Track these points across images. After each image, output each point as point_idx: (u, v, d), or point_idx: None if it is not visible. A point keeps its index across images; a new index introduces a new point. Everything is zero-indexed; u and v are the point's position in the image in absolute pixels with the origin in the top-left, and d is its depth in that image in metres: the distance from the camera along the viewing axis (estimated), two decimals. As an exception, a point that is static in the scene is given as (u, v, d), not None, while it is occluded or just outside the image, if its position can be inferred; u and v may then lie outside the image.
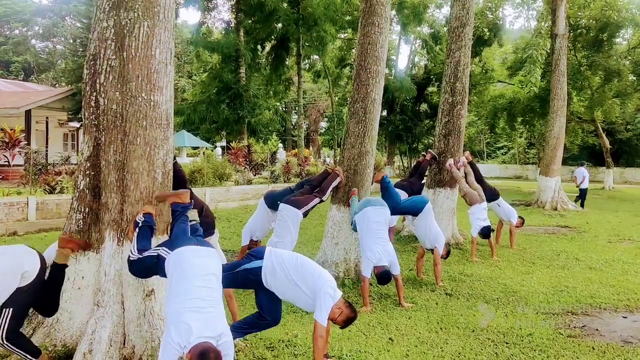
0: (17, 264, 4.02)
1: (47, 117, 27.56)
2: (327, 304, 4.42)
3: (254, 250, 4.79)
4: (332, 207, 8.39)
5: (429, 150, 11.95)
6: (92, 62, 4.70)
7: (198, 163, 21.10)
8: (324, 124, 62.04)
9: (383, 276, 6.65)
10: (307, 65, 39.85)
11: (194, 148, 36.20)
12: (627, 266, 9.49)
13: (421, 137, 38.20)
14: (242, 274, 4.55)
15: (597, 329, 6.08)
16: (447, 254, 8.24)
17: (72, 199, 4.85)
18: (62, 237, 4.60)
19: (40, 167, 17.69)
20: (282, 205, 7.31)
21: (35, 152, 18.40)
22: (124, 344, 4.40)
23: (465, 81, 12.00)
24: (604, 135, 31.84)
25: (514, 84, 32.16)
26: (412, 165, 28.64)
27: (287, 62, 33.44)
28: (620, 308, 6.92)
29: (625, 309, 6.87)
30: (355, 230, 7.39)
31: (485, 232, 9.79)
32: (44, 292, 4.33)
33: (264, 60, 33.67)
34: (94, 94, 4.65)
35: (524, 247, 11.21)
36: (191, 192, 5.64)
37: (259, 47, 32.75)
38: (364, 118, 8.33)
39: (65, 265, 4.56)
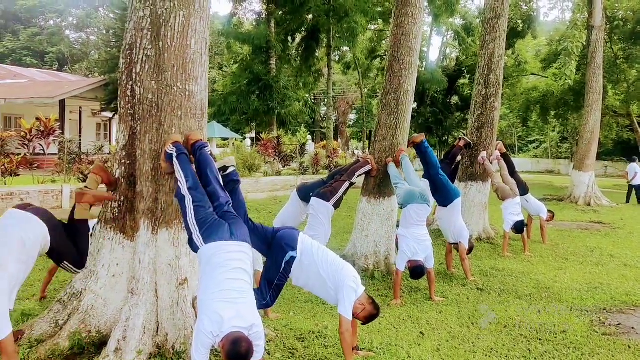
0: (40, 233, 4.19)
1: (80, 107, 28.02)
2: (350, 297, 4.41)
3: (285, 235, 4.71)
4: (362, 199, 8.34)
5: (461, 137, 11.61)
6: (128, 52, 4.73)
7: (228, 154, 21.22)
8: (352, 116, 61.87)
9: (416, 271, 6.61)
10: (337, 57, 39.69)
11: (224, 139, 36.40)
12: (664, 264, 9.27)
13: (452, 130, 37.76)
14: (284, 270, 4.55)
15: (632, 327, 5.95)
16: (470, 250, 8.12)
17: (107, 188, 4.90)
18: (77, 192, 4.67)
19: (74, 156, 18.01)
20: (312, 200, 7.24)
21: (69, 141, 18.71)
22: (157, 331, 4.44)
23: (499, 73, 11.82)
24: (639, 130, 31.14)
25: (547, 77, 31.57)
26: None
27: (317, 54, 33.43)
28: (657, 307, 6.78)
29: (663, 308, 6.72)
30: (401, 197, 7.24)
31: (519, 227, 9.65)
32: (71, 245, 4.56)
33: (294, 51, 33.70)
34: (130, 83, 4.69)
35: (556, 243, 11.02)
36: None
37: (289, 38, 32.79)
38: (396, 110, 8.24)
39: (86, 220, 4.66)
